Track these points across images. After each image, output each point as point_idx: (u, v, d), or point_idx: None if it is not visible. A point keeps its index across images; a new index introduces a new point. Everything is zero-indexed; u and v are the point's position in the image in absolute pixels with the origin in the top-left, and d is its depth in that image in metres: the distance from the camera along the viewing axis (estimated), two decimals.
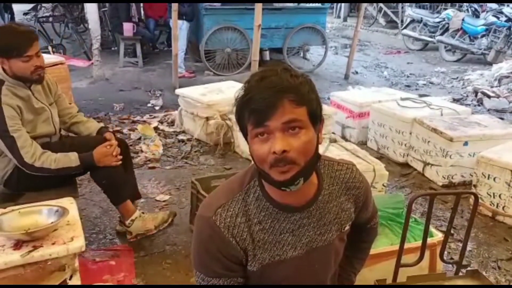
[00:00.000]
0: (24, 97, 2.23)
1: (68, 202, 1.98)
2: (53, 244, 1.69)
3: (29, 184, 2.29)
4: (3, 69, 2.18)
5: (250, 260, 1.13)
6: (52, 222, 1.75)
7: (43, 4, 9.29)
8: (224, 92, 4.39)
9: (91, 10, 6.22)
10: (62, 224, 1.79)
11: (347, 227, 1.24)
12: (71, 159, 2.26)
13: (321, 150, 3.43)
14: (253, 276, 1.16)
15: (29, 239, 1.68)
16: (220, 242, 1.10)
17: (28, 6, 10.04)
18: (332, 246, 1.21)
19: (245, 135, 1.06)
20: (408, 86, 6.92)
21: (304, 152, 1.01)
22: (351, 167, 1.25)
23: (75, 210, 1.92)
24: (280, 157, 0.99)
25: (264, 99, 0.98)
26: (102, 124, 2.65)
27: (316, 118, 1.05)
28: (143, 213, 2.62)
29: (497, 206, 3.01)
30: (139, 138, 4.11)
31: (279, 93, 0.98)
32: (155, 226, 2.56)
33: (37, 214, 1.81)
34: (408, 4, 12.20)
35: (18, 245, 1.67)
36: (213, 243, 1.10)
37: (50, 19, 8.69)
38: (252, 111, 1.00)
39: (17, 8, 11.49)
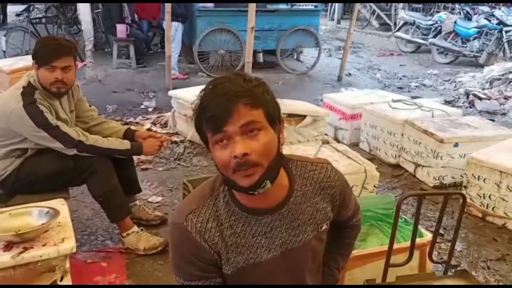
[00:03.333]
0: (53, 105, 2.30)
1: (59, 204, 1.98)
2: (44, 245, 1.69)
3: (24, 187, 2.30)
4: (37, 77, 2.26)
5: (224, 264, 1.14)
6: (42, 224, 1.74)
7: (36, 5, 9.22)
8: None
9: (84, 12, 6.20)
10: (53, 226, 1.78)
11: (325, 227, 1.24)
12: (123, 142, 2.41)
13: (313, 151, 3.38)
14: (229, 279, 1.16)
15: (20, 240, 1.68)
16: (193, 246, 1.11)
17: (20, 7, 9.97)
18: (308, 246, 1.21)
19: (207, 144, 1.07)
20: (400, 88, 6.96)
21: (266, 153, 1.02)
22: (325, 166, 1.24)
23: (66, 212, 1.92)
24: (242, 161, 0.99)
25: (218, 106, 0.99)
26: (126, 127, 2.75)
27: (274, 119, 1.06)
28: (141, 229, 2.57)
29: (487, 207, 3.03)
30: None
31: (233, 98, 0.99)
32: (144, 248, 2.50)
33: (28, 215, 1.80)
34: (401, 6, 12.29)
35: (8, 246, 1.66)
36: (186, 248, 1.12)
37: (43, 20, 8.63)
38: (209, 118, 1.01)
39: (10, 9, 11.45)
